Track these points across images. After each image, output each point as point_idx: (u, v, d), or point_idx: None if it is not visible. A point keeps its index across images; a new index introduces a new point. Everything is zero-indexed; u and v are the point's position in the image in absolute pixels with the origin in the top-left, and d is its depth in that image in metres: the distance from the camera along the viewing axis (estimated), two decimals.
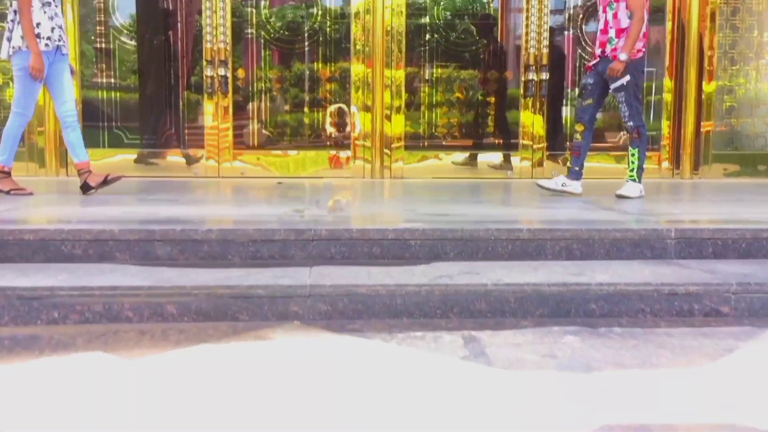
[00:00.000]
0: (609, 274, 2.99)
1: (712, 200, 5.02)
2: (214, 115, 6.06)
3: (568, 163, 4.86)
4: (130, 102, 6.33)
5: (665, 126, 6.44)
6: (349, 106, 6.23)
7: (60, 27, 4.46)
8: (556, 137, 6.36)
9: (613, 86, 4.60)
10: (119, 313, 2.71)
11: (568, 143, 6.10)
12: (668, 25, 6.30)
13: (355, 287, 2.82)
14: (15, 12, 4.34)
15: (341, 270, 3.05)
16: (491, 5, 6.48)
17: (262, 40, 6.26)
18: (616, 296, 2.85)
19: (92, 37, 6.14)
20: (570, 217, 3.83)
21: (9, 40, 4.38)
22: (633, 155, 4.67)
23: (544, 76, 6.06)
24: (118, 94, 6.20)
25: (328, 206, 4.29)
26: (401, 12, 6.06)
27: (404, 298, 2.81)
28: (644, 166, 4.69)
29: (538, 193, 4.80)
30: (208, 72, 5.94)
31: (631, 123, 4.64)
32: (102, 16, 6.09)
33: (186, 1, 6.18)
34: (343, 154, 6.21)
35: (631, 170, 4.67)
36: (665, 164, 6.43)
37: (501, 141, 6.46)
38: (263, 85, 6.33)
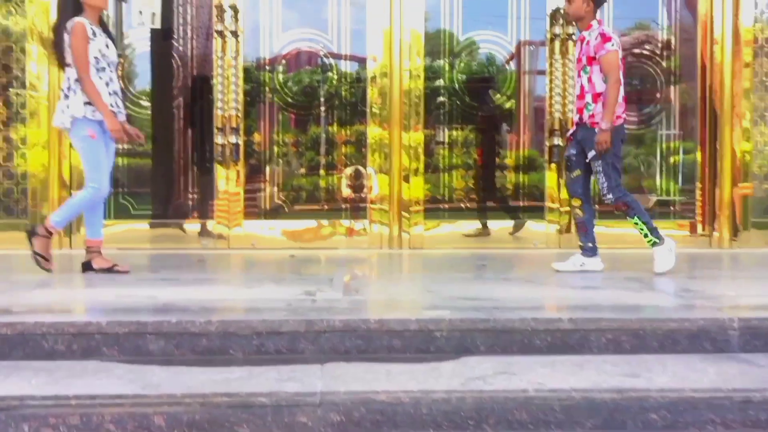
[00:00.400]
0: (669, 376, 2.57)
1: (764, 276, 4.59)
2: (224, 183, 5.78)
3: (579, 242, 4.47)
4: (140, 170, 6.10)
5: (698, 190, 6.07)
6: (365, 168, 5.95)
7: (116, 93, 4.25)
8: None
9: (589, 155, 4.24)
10: (99, 426, 2.33)
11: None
12: (698, 83, 6.00)
13: (373, 394, 2.43)
14: (71, 80, 4.11)
15: (357, 368, 2.66)
16: (509, 68, 6.24)
17: (276, 104, 6.04)
18: (681, 404, 2.42)
19: None
20: (612, 302, 3.44)
21: (65, 109, 4.12)
22: (637, 224, 4.26)
23: None
24: (127, 160, 5.96)
25: (343, 285, 3.93)
26: (419, 75, 5.82)
27: (431, 406, 2.40)
28: (653, 224, 4.27)
29: None
30: (218, 140, 5.69)
31: (610, 196, 4.23)
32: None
33: (199, 68, 6.00)
34: (359, 225, 5.88)
35: (647, 238, 4.25)
36: (700, 231, 6.03)
37: (524, 205, 6.11)
38: (276, 151, 6.07)
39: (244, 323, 2.86)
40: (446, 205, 6.07)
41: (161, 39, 5.98)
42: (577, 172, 4.37)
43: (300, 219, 5.95)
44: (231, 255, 5.60)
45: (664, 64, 6.13)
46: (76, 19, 4.10)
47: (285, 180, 6.08)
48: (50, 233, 4.19)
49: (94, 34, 4.11)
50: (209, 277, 4.59)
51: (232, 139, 5.68)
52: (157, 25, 5.82)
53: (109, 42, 4.25)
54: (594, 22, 4.28)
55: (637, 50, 6.18)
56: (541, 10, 5.85)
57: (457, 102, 6.07)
